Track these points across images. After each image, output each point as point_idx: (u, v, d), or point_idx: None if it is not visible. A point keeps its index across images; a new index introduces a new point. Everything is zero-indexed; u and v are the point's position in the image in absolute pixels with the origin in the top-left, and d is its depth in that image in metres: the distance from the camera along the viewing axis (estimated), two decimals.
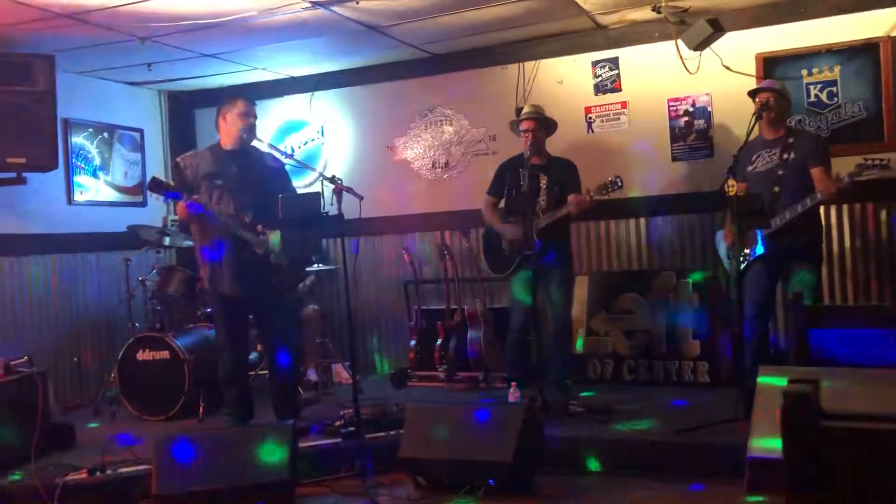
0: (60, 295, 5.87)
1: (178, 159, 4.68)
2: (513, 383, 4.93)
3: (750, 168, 4.53)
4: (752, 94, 4.57)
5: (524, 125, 4.96)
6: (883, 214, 5.10)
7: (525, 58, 5.95)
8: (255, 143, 4.64)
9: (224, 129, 4.60)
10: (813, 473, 1.14)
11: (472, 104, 6.19)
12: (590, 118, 5.82)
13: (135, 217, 6.09)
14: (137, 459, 4.01)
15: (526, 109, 5.11)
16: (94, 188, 6.21)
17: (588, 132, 5.82)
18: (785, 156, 4.40)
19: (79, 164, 6.08)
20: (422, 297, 6.12)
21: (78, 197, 6.06)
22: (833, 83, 5.18)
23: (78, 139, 6.08)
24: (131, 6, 4.55)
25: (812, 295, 4.33)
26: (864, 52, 5.09)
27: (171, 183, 4.49)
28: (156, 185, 4.33)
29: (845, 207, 5.16)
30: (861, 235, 5.17)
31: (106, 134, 6.33)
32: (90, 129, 6.19)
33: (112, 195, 6.35)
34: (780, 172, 4.38)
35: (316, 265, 5.91)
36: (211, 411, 5.03)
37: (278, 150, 4.81)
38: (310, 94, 6.62)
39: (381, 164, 6.46)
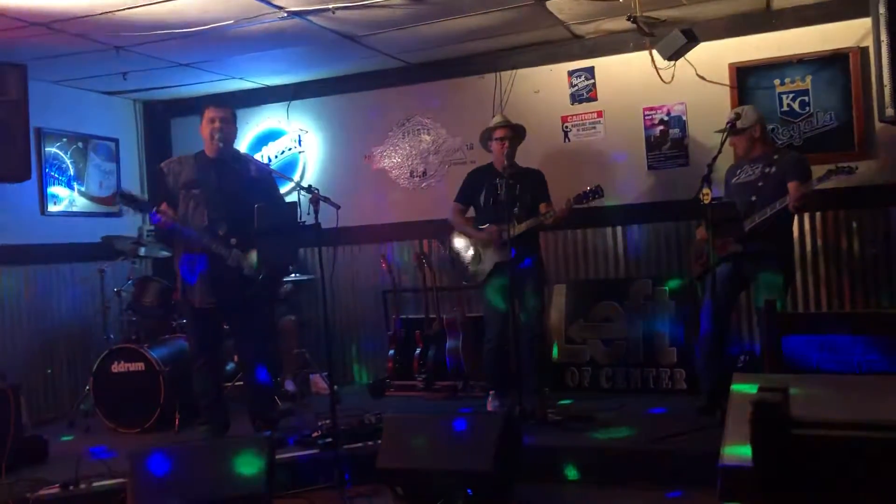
0: (34, 307, 5.79)
1: (163, 165, 4.67)
2: (491, 392, 4.93)
3: (734, 180, 4.65)
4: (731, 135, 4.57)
5: (501, 133, 4.96)
6: (854, 223, 5.17)
7: (502, 67, 5.98)
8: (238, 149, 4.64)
9: (203, 137, 4.61)
10: (783, 482, 1.15)
11: (450, 113, 6.20)
12: (566, 127, 5.85)
13: (110, 227, 6.03)
14: (112, 473, 3.96)
15: (497, 119, 5.12)
16: (68, 198, 6.14)
17: (565, 141, 5.85)
18: (766, 170, 4.48)
19: (52, 174, 6.02)
20: (400, 306, 6.11)
21: (52, 207, 6.00)
22: (805, 92, 5.25)
23: (52, 149, 6.01)
24: (106, 15, 4.52)
25: (777, 298, 4.36)
26: (834, 62, 5.17)
27: (140, 197, 4.50)
28: (124, 198, 4.34)
29: (818, 215, 5.23)
30: (834, 243, 5.23)
31: (80, 144, 6.27)
32: (64, 139, 6.13)
33: (87, 205, 6.29)
34: (760, 184, 4.47)
35: (293, 275, 5.87)
36: (187, 423, 4.98)
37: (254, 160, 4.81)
38: (287, 103, 6.60)
39: (359, 174, 6.45)
